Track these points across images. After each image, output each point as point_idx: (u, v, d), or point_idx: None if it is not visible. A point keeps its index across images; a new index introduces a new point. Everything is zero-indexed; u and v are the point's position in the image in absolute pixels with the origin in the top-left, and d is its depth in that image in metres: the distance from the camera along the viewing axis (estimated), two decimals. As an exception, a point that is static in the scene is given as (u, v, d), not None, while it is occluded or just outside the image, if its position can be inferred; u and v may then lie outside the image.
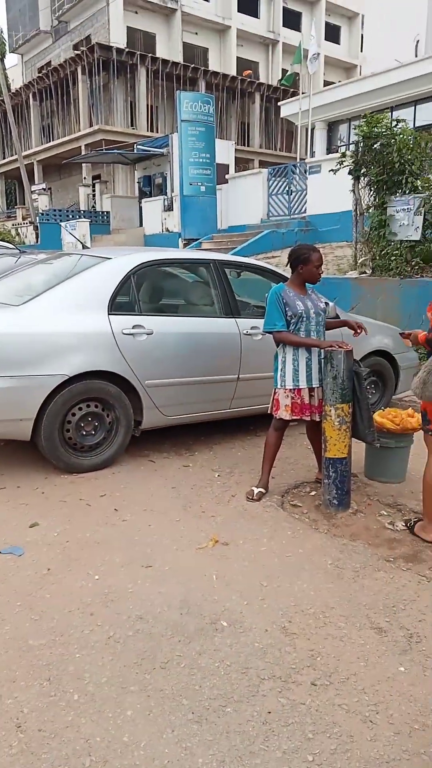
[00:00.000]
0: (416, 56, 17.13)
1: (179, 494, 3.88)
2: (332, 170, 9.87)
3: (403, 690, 2.20)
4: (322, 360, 3.65)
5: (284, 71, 30.80)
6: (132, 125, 27.05)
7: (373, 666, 2.33)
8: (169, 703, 2.09)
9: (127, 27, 26.98)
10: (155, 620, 2.55)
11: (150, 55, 26.44)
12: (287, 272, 4.54)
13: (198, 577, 2.90)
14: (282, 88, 29.21)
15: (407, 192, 8.84)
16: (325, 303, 3.97)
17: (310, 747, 1.93)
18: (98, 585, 2.81)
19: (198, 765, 1.84)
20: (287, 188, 15.97)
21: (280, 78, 30.67)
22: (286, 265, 3.93)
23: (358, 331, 3.91)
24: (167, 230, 18.27)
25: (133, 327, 4.16)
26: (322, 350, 3.65)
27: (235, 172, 20.36)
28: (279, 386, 3.78)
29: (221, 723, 2.01)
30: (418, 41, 18.12)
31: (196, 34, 29.23)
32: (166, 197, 19.02)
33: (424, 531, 3.38)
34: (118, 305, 4.21)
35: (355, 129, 9.71)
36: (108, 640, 2.41)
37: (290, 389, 3.74)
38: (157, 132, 26.33)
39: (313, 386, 3.76)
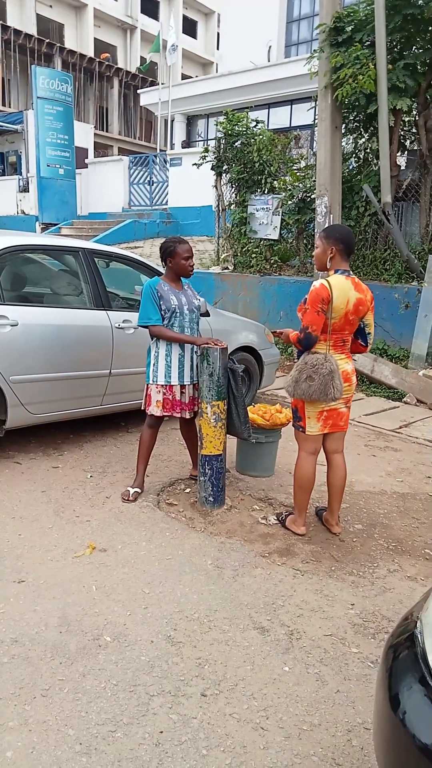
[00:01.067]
0: (269, 61, 17.78)
1: (50, 498, 3.63)
2: (195, 164, 9.91)
3: (289, 691, 2.22)
4: (198, 357, 3.61)
5: (143, 59, 30.45)
6: (-20, 97, 25.18)
7: (259, 668, 2.32)
8: (53, 736, 1.91)
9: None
10: (32, 642, 2.34)
11: (0, 22, 24.72)
12: (156, 265, 4.46)
13: (76, 590, 2.71)
14: (141, 75, 28.84)
15: (266, 192, 9.12)
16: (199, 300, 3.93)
17: (205, 764, 1.86)
18: (-38, 607, 2.53)
19: (90, 802, 1.70)
20: (149, 178, 15.80)
21: (138, 65, 30.26)
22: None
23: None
24: (23, 212, 17.24)
25: (-4, 318, 3.81)
26: (198, 347, 3.61)
27: (94, 157, 19.75)
28: (151, 381, 3.68)
29: (111, 751, 1.88)
30: (270, 47, 18.82)
31: (51, 7, 27.83)
32: (21, 177, 17.92)
33: (294, 524, 3.47)
34: (-23, 293, 3.83)
35: (216, 125, 9.81)
36: (-21, 671, 2.16)
37: (162, 385, 3.66)
38: (10, 107, 24.74)
39: (185, 383, 3.70)
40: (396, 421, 5.82)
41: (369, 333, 3.38)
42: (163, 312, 3.59)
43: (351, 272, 3.26)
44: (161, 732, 1.97)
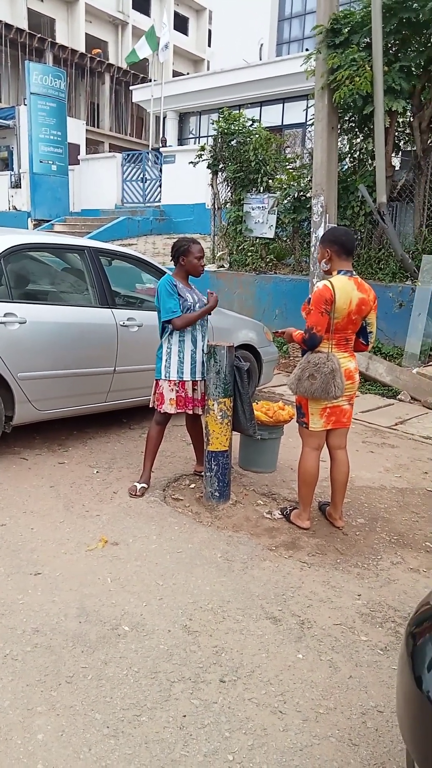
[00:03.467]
0: (260, 59, 17.83)
1: (58, 493, 3.69)
2: (192, 162, 9.96)
3: (303, 677, 2.31)
4: (205, 355, 3.68)
5: (134, 51, 30.34)
6: (-30, 91, 25.00)
7: (274, 656, 2.41)
8: (81, 720, 1.98)
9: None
10: (53, 632, 2.40)
11: (-9, 17, 24.56)
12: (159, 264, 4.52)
13: (92, 582, 2.78)
14: (132, 72, 28.76)
15: (262, 190, 9.20)
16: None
17: (228, 746, 1.94)
18: (-19, 599, 2.59)
19: (121, 781, 1.78)
20: (142, 175, 15.80)
21: (126, 58, 30.17)
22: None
23: None
24: (15, 208, 17.16)
25: (5, 315, 3.85)
26: (205, 345, 3.69)
27: (86, 153, 19.71)
28: (163, 377, 3.73)
29: (138, 734, 1.95)
30: (262, 45, 18.85)
31: (42, 1, 27.65)
32: (13, 173, 17.83)
33: (299, 519, 3.56)
34: (-14, 291, 3.87)
35: (212, 123, 9.86)
36: (5, 659, 2.22)
37: (175, 381, 3.72)
38: (1, 102, 24.58)
39: (197, 379, 3.77)
40: (392, 418, 5.93)
41: (371, 332, 3.47)
42: (180, 308, 3.66)
43: (354, 272, 3.34)
44: (184, 716, 2.04)
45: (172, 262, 3.81)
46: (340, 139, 7.93)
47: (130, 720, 2.01)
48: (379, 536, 3.51)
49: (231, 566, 3.04)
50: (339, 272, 3.29)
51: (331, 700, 2.19)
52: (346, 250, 3.31)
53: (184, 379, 3.71)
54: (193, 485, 4.01)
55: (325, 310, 3.18)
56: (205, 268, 9.71)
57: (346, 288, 3.20)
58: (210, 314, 3.81)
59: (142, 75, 27.71)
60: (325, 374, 3.21)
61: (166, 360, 3.71)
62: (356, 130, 8.05)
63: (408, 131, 7.81)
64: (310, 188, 7.94)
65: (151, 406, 3.84)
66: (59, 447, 4.47)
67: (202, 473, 3.87)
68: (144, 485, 3.81)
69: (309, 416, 3.39)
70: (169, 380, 3.71)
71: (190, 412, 3.79)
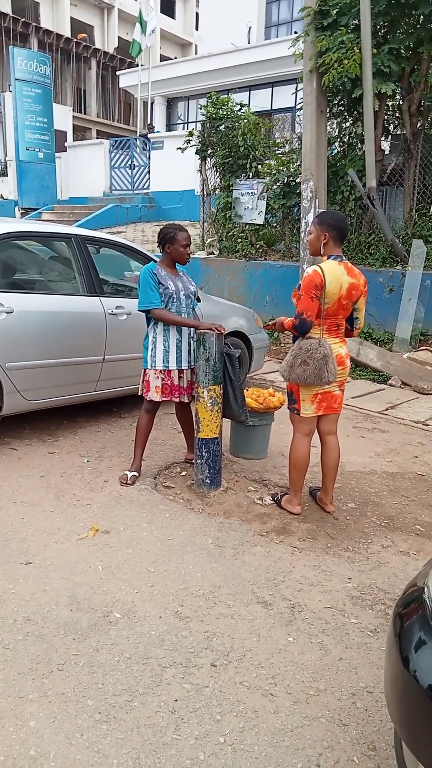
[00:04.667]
0: (248, 43, 17.63)
1: (49, 483, 3.69)
2: (180, 148, 9.87)
3: (294, 659, 2.33)
4: (195, 342, 3.67)
5: (120, 39, 29.95)
6: None
7: (265, 640, 2.42)
8: (73, 707, 1.99)
9: None
10: (44, 620, 2.41)
11: (-27, 0, 24.12)
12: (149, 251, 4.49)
13: (83, 570, 2.79)
14: (119, 57, 28.39)
15: (251, 176, 9.14)
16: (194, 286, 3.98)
17: (220, 728, 1.96)
18: (-28, 589, 2.59)
19: (113, 766, 1.79)
20: (130, 162, 15.67)
21: (116, 45, 29.78)
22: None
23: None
24: (1, 197, 16.99)
25: (-9, 305, 3.82)
26: (195, 332, 3.66)
27: (73, 140, 19.50)
28: (149, 367, 3.73)
29: (130, 719, 1.97)
30: (250, 28, 18.62)
31: (25, -15, 27.19)
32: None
33: (290, 504, 3.58)
34: (-29, 280, 3.83)
35: (200, 108, 9.77)
36: (-4, 648, 2.23)
37: (160, 370, 3.71)
38: (-16, 88, 24.18)
39: (183, 368, 3.76)
40: (382, 403, 5.95)
41: (357, 318, 3.46)
42: (161, 297, 3.64)
43: (344, 257, 3.33)
44: (176, 700, 2.06)
45: (159, 249, 3.79)
46: (329, 123, 7.88)
47: (122, 705, 2.02)
48: (369, 520, 3.53)
49: (222, 552, 3.06)
50: (329, 257, 3.27)
51: (322, 681, 2.22)
52: (342, 237, 3.30)
53: (170, 368, 3.70)
54: (184, 473, 4.02)
55: (315, 295, 3.17)
56: (195, 255, 9.71)
57: (336, 273, 3.20)
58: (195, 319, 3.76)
59: (129, 60, 27.33)
60: (317, 360, 3.21)
61: (152, 349, 3.70)
62: (345, 113, 8.01)
63: (397, 114, 7.77)
64: (300, 173, 7.89)
65: (139, 394, 3.84)
66: (49, 437, 4.46)
67: (193, 460, 3.87)
68: (135, 473, 3.81)
69: (300, 402, 3.40)
70: (155, 369, 3.70)
71: (177, 400, 3.79)
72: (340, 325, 3.38)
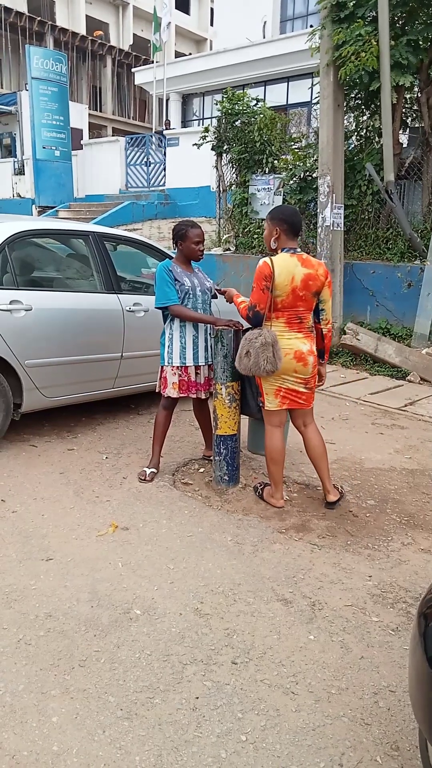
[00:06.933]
0: (264, 37, 17.52)
1: (68, 480, 3.71)
2: (196, 144, 9.84)
3: (315, 658, 2.31)
4: (212, 339, 3.66)
5: (135, 36, 29.95)
6: (-29, 77, 24.80)
7: (286, 638, 2.41)
8: (95, 703, 2.00)
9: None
10: (65, 616, 2.42)
11: (-10, 0, 24.26)
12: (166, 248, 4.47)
13: (103, 566, 2.80)
14: (134, 54, 28.40)
15: (267, 171, 9.09)
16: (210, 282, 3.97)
17: (241, 726, 1.96)
18: (-6, 585, 2.61)
19: (135, 763, 1.79)
20: (146, 159, 15.68)
21: (131, 43, 29.78)
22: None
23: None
24: (19, 195, 17.11)
25: (11, 302, 3.84)
26: (213, 329, 3.66)
27: (89, 138, 19.56)
28: (166, 363, 3.73)
29: (152, 716, 1.97)
30: (265, 22, 18.50)
31: (41, -17, 27.30)
32: (16, 160, 17.75)
33: (272, 498, 3.56)
34: (-9, 279, 3.86)
35: (216, 104, 9.73)
36: (18, 644, 2.24)
37: (177, 366, 3.71)
38: (2, 88, 24.39)
39: (200, 364, 3.75)
40: (401, 400, 5.90)
41: (322, 309, 3.41)
42: (177, 294, 3.64)
43: (298, 249, 3.30)
44: (197, 698, 2.06)
45: (173, 246, 3.79)
46: (346, 117, 7.79)
47: (144, 702, 2.02)
48: (389, 517, 3.50)
49: (241, 549, 3.05)
50: (283, 250, 3.26)
51: (343, 680, 2.20)
52: (294, 230, 3.29)
53: (187, 364, 3.70)
54: (202, 469, 4.02)
55: (266, 286, 3.17)
56: (212, 252, 9.68)
57: (287, 264, 3.18)
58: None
59: (144, 57, 27.34)
60: (256, 349, 3.20)
61: (169, 346, 3.70)
62: (362, 107, 7.91)
63: (415, 107, 7.66)
64: (316, 168, 7.82)
65: (157, 391, 3.84)
66: (68, 433, 4.48)
67: (211, 457, 3.87)
68: (153, 470, 3.82)
69: (264, 395, 3.41)
70: (172, 366, 3.70)
71: (194, 396, 3.78)
72: (303, 319, 3.33)
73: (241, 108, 9.19)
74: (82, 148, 17.03)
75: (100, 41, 28.11)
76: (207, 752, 1.85)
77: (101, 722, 1.93)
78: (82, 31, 27.91)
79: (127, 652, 2.25)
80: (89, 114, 23.18)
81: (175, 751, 1.84)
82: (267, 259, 3.21)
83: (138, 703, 2.02)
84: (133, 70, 22.11)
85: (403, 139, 8.06)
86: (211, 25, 29.46)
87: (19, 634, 2.30)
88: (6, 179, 17.86)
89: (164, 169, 15.18)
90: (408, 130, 8.13)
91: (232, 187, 9.68)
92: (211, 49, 27.16)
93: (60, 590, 2.60)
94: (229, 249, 9.76)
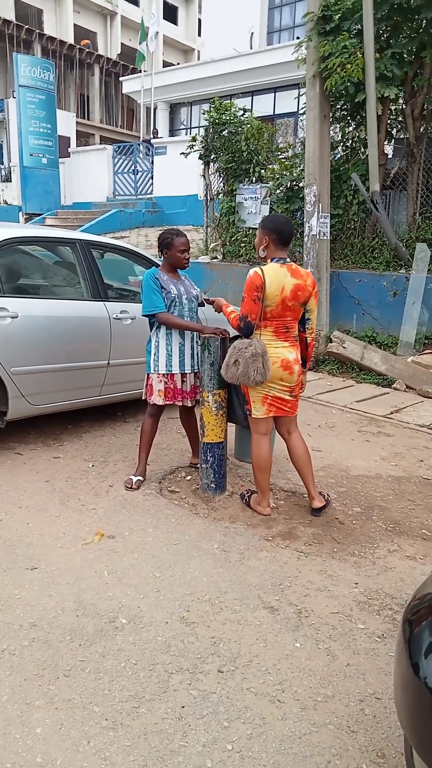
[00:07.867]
0: (251, 48, 17.68)
1: (54, 488, 3.68)
2: (183, 153, 9.90)
3: (301, 665, 2.31)
4: (198, 346, 3.67)
5: (123, 45, 30.10)
6: (-42, 84, 24.75)
7: (272, 645, 2.41)
8: (79, 713, 1.98)
9: None
10: (50, 626, 2.40)
11: (-22, 8, 24.29)
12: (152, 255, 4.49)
13: (89, 575, 2.78)
14: (122, 63, 28.52)
15: (254, 181, 9.15)
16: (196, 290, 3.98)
17: (227, 735, 1.95)
18: (-22, 594, 2.58)
19: (120, 773, 1.78)
20: (133, 167, 15.72)
21: (119, 52, 29.92)
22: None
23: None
24: (5, 203, 17.07)
25: (-4, 310, 3.83)
26: (199, 336, 3.66)
27: (77, 146, 19.58)
28: (152, 371, 3.73)
29: (137, 725, 1.95)
30: (252, 33, 18.68)
31: (29, -8, 27.37)
32: (3, 167, 17.72)
33: (259, 505, 3.57)
34: (-24, 286, 3.84)
35: (203, 113, 9.79)
36: (2, 654, 2.21)
37: (163, 374, 3.71)
38: (-12, 94, 24.35)
39: (186, 372, 3.76)
40: (387, 407, 5.93)
41: (308, 319, 3.44)
42: (164, 301, 3.64)
43: (287, 260, 3.32)
44: (183, 707, 2.04)
45: (159, 254, 3.80)
46: (332, 128, 7.88)
47: (129, 712, 2.01)
48: (375, 525, 3.51)
49: (228, 557, 3.04)
50: (272, 260, 3.28)
51: (329, 688, 2.20)
52: (284, 240, 3.30)
53: (173, 371, 3.70)
54: (189, 477, 4.01)
55: (257, 297, 3.18)
56: (199, 260, 9.71)
57: (277, 275, 3.20)
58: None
59: (132, 66, 27.45)
60: (246, 359, 3.22)
61: (155, 354, 3.71)
62: (348, 118, 8.01)
63: (400, 119, 7.77)
64: (303, 178, 7.89)
65: (143, 398, 3.84)
66: (54, 441, 4.45)
67: (198, 465, 3.86)
68: (140, 478, 3.81)
69: (251, 403, 3.42)
70: (158, 373, 3.70)
71: (180, 403, 3.78)
72: (290, 328, 3.36)
73: (228, 118, 9.27)
74: (69, 156, 17.04)
75: (87, 50, 28.21)
76: (193, 762, 1.84)
77: (86, 732, 1.91)
78: (70, 39, 28.00)
79: (112, 661, 2.24)
80: (77, 122, 23.25)
81: (161, 761, 1.83)
82: (258, 269, 3.21)
83: (123, 712, 2.00)
84: (120, 79, 22.20)
85: (389, 149, 8.16)
86: (199, 35, 29.73)
87: (3, 644, 2.27)
88: (-7, 186, 17.82)
89: (152, 177, 15.23)
90: (393, 141, 8.23)
91: (220, 196, 9.74)
92: (198, 59, 27.39)
93: (45, 599, 2.57)
94: (216, 257, 9.80)
